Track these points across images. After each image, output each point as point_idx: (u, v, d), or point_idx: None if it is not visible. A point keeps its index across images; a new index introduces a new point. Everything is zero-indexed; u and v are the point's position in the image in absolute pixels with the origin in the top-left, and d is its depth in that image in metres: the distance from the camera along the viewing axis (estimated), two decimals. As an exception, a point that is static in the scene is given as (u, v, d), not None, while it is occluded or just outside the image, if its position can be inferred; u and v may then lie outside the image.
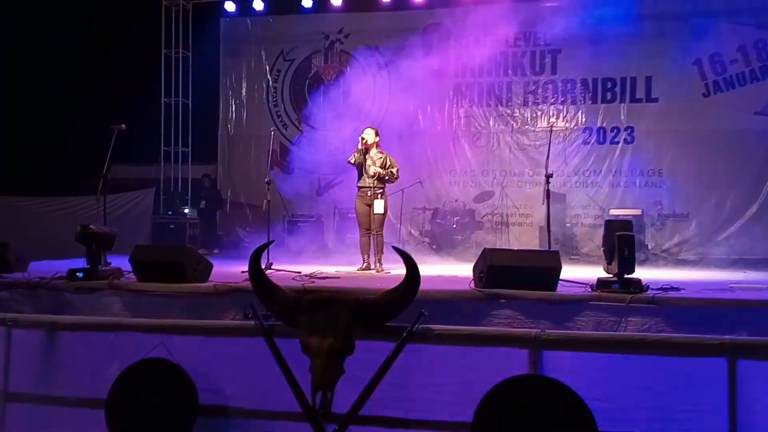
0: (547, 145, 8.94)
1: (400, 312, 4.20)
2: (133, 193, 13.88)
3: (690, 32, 12.74)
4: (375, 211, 9.18)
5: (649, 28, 12.86)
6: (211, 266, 7.42)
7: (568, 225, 12.97)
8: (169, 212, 14.06)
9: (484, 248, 6.52)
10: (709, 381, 4.12)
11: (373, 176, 9.23)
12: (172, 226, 13.53)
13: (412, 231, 13.41)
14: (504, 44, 13.71)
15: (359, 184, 9.39)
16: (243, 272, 7.83)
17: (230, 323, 4.93)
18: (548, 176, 8.12)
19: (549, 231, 7.99)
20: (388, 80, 14.09)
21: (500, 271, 6.11)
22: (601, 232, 12.50)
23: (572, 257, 11.99)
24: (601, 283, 6.15)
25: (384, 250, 9.28)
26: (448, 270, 9.20)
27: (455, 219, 12.80)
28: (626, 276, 6.07)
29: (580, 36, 12.84)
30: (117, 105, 12.85)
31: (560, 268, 6.24)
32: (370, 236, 9.31)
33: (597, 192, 13.21)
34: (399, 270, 9.23)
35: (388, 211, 9.75)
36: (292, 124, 14.86)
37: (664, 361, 4.20)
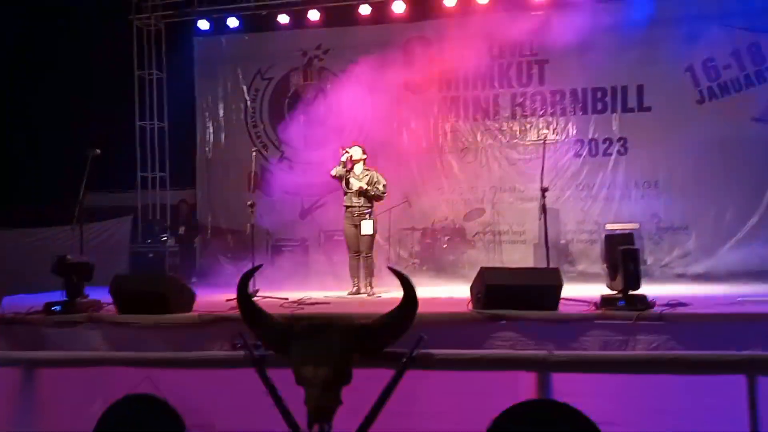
0: (541, 158, 8.91)
1: (398, 336, 4.11)
2: (109, 222, 13.74)
3: (681, 38, 12.67)
4: (363, 232, 9.11)
5: (638, 35, 12.69)
6: (194, 295, 7.33)
7: (562, 242, 12.89)
8: (148, 240, 13.90)
9: (481, 267, 6.45)
10: (728, 400, 4.05)
11: (357, 193, 9.16)
12: (151, 255, 13.40)
13: (401, 252, 13.29)
14: (488, 56, 13.66)
15: (345, 204, 9.34)
16: (228, 300, 7.73)
17: (218, 354, 4.84)
18: (544, 190, 8.08)
19: (547, 247, 7.96)
20: (369, 96, 13.99)
21: (499, 290, 6.05)
22: (597, 247, 12.72)
23: (568, 274, 11.90)
24: (606, 301, 6.10)
25: (374, 273, 9.21)
26: (442, 291, 9.15)
27: (445, 238, 12.75)
28: (631, 292, 6.02)
29: (568, 45, 12.68)
30: (89, 130, 12.73)
31: (561, 285, 6.18)
32: (359, 259, 9.24)
33: (591, 206, 13.15)
34: (391, 293, 9.17)
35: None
36: (272, 145, 14.76)
37: (679, 380, 4.14)
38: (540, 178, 8.42)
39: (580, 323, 5.84)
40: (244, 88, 14.91)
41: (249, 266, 10.62)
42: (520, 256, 12.88)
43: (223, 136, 14.99)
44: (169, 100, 14.92)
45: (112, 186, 14.03)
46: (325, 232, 13.15)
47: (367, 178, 9.25)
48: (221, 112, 14.98)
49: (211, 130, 15.00)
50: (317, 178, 13.43)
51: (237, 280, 4.34)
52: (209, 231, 14.70)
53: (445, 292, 8.99)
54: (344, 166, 9.28)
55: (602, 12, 12.62)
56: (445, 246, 12.67)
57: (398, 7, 13.23)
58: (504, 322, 5.88)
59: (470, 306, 6.35)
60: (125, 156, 14.36)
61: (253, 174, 12.63)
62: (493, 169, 13.64)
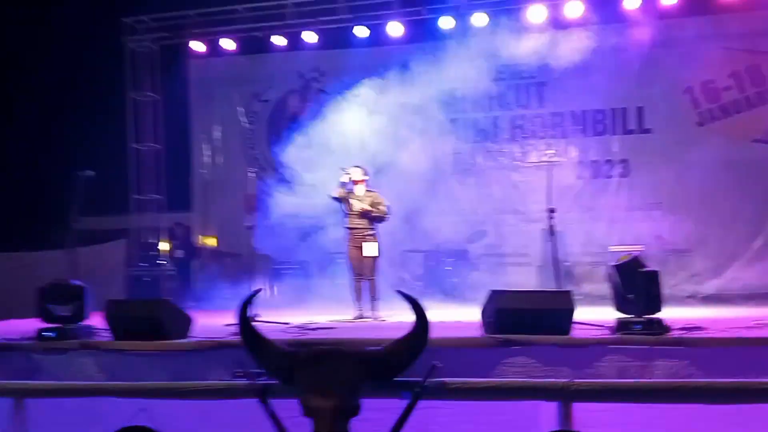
0: (542, 180, 8.68)
1: (410, 364, 3.83)
2: (102, 246, 13.46)
3: (680, 60, 12.56)
4: (366, 254, 8.86)
5: (637, 56, 12.61)
6: (190, 320, 7.04)
7: (566, 264, 12.62)
8: (144, 264, 13.62)
9: (491, 290, 6.19)
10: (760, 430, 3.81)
11: (359, 214, 8.91)
12: (147, 279, 13.13)
13: (404, 275, 12.98)
14: (487, 78, 13.45)
15: (347, 226, 9.10)
16: (227, 325, 7.45)
17: (219, 384, 4.53)
18: (551, 211, 7.87)
19: (556, 270, 7.70)
20: (368, 118, 13.78)
21: (510, 314, 5.80)
22: (601, 270, 12.47)
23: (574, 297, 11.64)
24: (622, 325, 5.82)
25: (378, 296, 8.95)
26: (448, 315, 8.83)
27: (449, 260, 12.51)
28: (646, 316, 5.75)
29: (567, 67, 12.54)
30: (83, 152, 12.50)
31: (573, 309, 5.92)
32: (362, 282, 8.97)
33: (594, 229, 12.90)
34: (396, 317, 8.90)
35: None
36: (270, 168, 14.48)
37: (707, 410, 3.88)
38: (547, 199, 8.19)
39: (596, 348, 5.58)
40: (241, 110, 14.68)
41: (248, 290, 10.39)
42: (525, 279, 12.62)
43: (219, 158, 14.74)
44: (165, 121, 14.67)
45: (106, 209, 13.72)
46: (326, 255, 12.89)
47: (369, 199, 9.02)
48: (218, 135, 14.75)
49: (208, 153, 14.74)
50: (317, 200, 13.19)
51: (235, 303, 4.08)
52: (206, 254, 14.40)
53: (451, 315, 8.70)
54: (345, 188, 9.03)
55: (601, 34, 12.44)
56: (448, 268, 12.43)
57: (394, 30, 13.01)
58: (517, 347, 5.59)
59: (481, 330, 6.08)
60: (119, 178, 14.09)
61: (254, 196, 12.39)
62: (494, 191, 13.44)
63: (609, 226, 12.88)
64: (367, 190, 9.18)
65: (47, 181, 13.25)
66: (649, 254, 11.89)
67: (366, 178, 9.21)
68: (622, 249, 11.78)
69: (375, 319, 8.81)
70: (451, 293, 12.02)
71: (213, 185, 14.73)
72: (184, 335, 6.74)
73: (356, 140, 13.77)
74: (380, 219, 9.12)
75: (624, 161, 13.03)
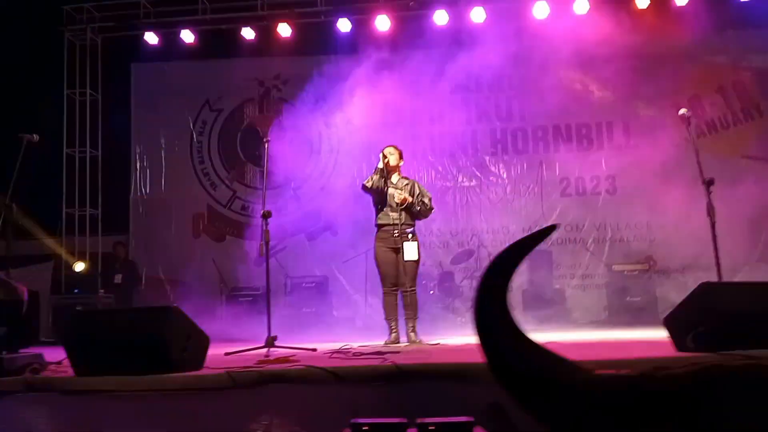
0: (693, 142, 6.71)
1: None
2: (26, 269, 10.43)
3: (665, 74, 11.07)
4: (407, 258, 6.40)
5: (622, 70, 10.96)
6: (207, 342, 4.46)
7: (556, 287, 10.73)
8: (75, 290, 10.70)
9: (701, 283, 4.00)
10: None
11: (399, 207, 6.47)
12: (79, 308, 10.21)
13: (375, 303, 10.69)
14: (465, 90, 11.58)
15: (379, 222, 6.64)
16: (228, 354, 5.04)
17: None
18: (708, 184, 5.92)
19: (718, 263, 5.81)
20: (335, 131, 11.65)
21: (733, 320, 3.60)
22: (591, 293, 10.75)
23: (567, 324, 9.76)
24: None
25: (418, 314, 6.59)
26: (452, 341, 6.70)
27: (432, 284, 10.34)
28: None
29: (550, 79, 10.88)
30: (8, 156, 9.65)
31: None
32: (397, 294, 6.54)
33: (581, 248, 11.11)
34: (447, 339, 6.64)
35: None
36: (222, 184, 11.90)
37: None
38: (699, 171, 6.47)
39: None
40: (190, 120, 12.04)
41: (205, 322, 7.83)
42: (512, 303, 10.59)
43: (163, 173, 12.00)
44: (106, 125, 11.75)
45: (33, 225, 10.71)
46: (290, 278, 10.50)
47: (407, 188, 6.66)
48: (162, 147, 12.00)
49: (150, 167, 11.97)
50: (276, 220, 10.78)
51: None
52: (144, 281, 11.58)
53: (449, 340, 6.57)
54: (381, 175, 6.58)
55: (583, 47, 10.73)
56: (431, 292, 10.24)
57: (382, 24, 10.93)
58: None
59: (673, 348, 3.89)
60: (50, 190, 11.16)
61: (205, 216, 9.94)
62: (474, 210, 11.40)
63: (597, 247, 11.17)
64: (403, 177, 6.82)
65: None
66: (642, 274, 10.34)
67: (402, 162, 6.85)
68: (626, 267, 10.21)
69: (414, 341, 6.35)
70: (435, 322, 9.78)
71: (154, 203, 11.92)
72: (199, 364, 4.19)
73: (319, 154, 11.75)
74: (422, 215, 6.77)
75: (611, 177, 11.30)
